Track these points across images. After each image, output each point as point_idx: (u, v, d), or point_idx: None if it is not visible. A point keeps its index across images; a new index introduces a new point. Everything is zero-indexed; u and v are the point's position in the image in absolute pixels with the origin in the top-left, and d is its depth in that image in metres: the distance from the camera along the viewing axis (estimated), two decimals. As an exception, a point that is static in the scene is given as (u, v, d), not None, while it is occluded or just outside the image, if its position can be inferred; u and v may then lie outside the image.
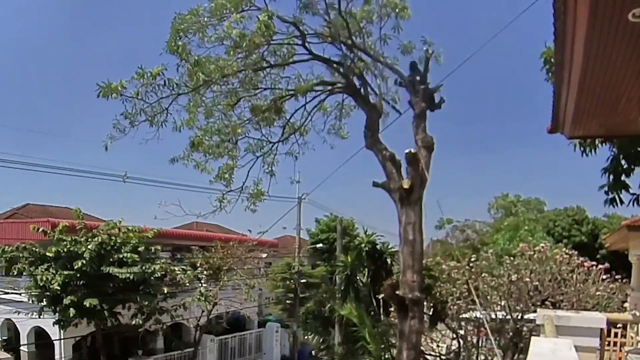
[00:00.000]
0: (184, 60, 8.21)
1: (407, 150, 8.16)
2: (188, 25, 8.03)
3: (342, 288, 13.16)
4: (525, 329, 9.09)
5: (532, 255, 9.18)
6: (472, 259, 9.95)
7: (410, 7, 8.65)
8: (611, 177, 7.42)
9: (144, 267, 17.46)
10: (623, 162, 7.40)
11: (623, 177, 7.38)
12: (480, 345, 10.40)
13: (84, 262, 16.30)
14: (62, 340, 18.21)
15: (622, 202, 7.38)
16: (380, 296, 10.65)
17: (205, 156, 9.44)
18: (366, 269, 12.50)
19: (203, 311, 21.26)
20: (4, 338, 22.65)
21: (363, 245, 12.47)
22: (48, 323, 17.97)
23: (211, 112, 9.21)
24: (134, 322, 18.61)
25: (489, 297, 9.54)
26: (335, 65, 9.16)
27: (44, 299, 16.95)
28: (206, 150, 9.35)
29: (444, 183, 58.75)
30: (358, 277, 12.84)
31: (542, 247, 9.30)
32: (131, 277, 16.89)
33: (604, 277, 9.12)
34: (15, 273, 17.96)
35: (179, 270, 20.53)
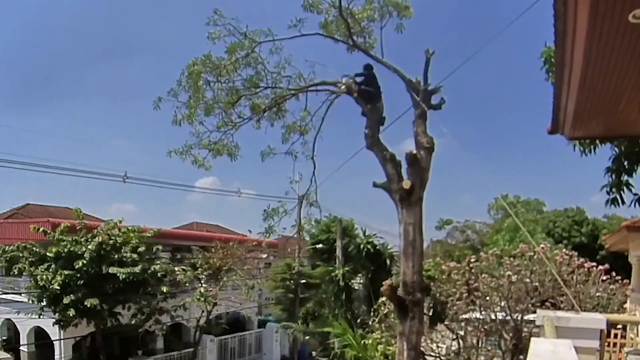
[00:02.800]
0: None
1: (407, 151, 8.17)
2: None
3: (334, 294, 13.20)
4: (525, 329, 9.08)
5: (532, 256, 9.18)
6: (472, 260, 9.94)
7: (412, 6, 8.69)
8: (613, 176, 7.43)
9: (144, 267, 17.47)
10: (625, 162, 7.42)
11: (625, 177, 7.39)
12: (480, 346, 10.39)
13: (84, 262, 16.32)
14: (61, 340, 18.21)
15: (623, 202, 7.40)
16: (383, 299, 10.64)
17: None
18: (365, 270, 12.50)
19: (203, 311, 21.26)
20: (4, 338, 22.66)
21: (362, 246, 12.46)
22: (48, 323, 17.97)
23: (211, 109, 9.28)
24: (133, 322, 18.61)
25: (488, 298, 9.53)
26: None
27: (44, 299, 16.95)
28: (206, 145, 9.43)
29: (444, 183, 58.79)
30: (353, 282, 12.85)
31: (542, 247, 9.29)
32: (131, 277, 16.89)
33: (604, 278, 9.11)
34: (15, 273, 17.96)
35: (179, 271, 20.54)
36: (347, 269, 12.76)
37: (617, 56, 4.31)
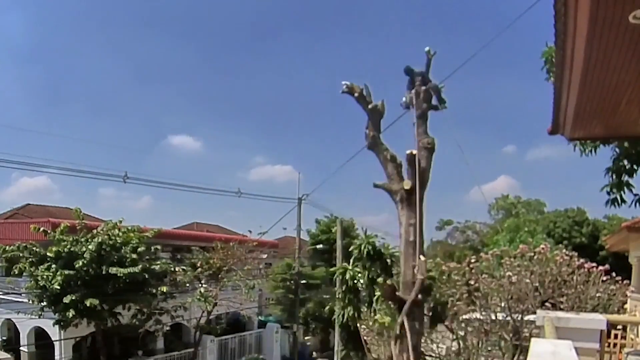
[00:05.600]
0: None
1: (408, 151, 8.17)
2: None
3: (342, 292, 13.20)
4: (525, 330, 9.07)
5: (533, 256, 9.17)
6: (472, 260, 9.93)
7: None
8: (614, 176, 7.44)
9: (144, 267, 17.47)
10: (625, 162, 7.42)
11: (626, 177, 7.40)
12: (480, 346, 10.37)
13: (84, 262, 16.32)
14: (62, 341, 18.21)
15: (624, 201, 7.40)
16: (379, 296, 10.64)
17: None
18: (366, 271, 12.49)
19: (203, 312, 21.26)
20: (4, 338, 22.65)
21: (363, 246, 12.44)
22: (48, 323, 17.98)
23: None
24: (134, 323, 18.62)
25: (489, 299, 9.52)
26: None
27: (44, 299, 16.95)
28: None
29: (445, 183, 58.71)
30: (358, 279, 12.85)
31: (543, 248, 9.29)
32: (131, 277, 16.89)
33: (604, 278, 9.09)
34: (15, 273, 17.97)
35: (179, 271, 20.55)
36: (356, 269, 12.76)
37: (618, 57, 4.31)
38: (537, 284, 8.83)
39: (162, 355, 21.44)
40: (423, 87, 8.58)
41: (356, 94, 8.94)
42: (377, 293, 11.26)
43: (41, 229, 17.43)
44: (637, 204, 7.33)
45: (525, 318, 9.00)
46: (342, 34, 65.05)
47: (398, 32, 61.51)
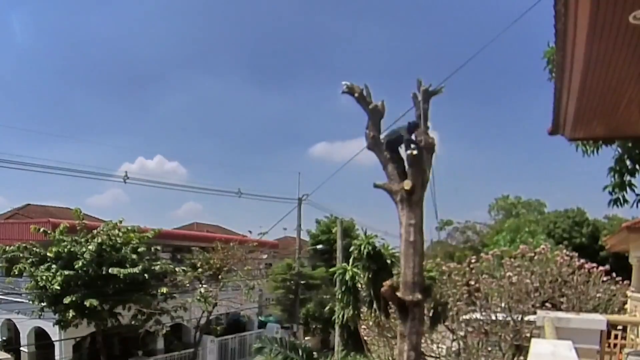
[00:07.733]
0: None
1: (408, 152, 8.16)
2: None
3: (342, 293, 13.19)
4: (525, 330, 9.07)
5: (533, 257, 9.17)
6: (473, 261, 9.94)
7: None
8: (616, 176, 7.44)
9: (144, 268, 17.47)
10: (628, 162, 7.43)
11: (628, 178, 7.40)
12: (480, 346, 10.37)
13: (84, 262, 16.32)
14: (62, 341, 18.21)
15: (626, 201, 7.40)
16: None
17: None
18: (366, 271, 12.47)
19: (203, 312, 21.26)
20: (4, 338, 22.65)
21: (363, 246, 12.42)
22: (48, 323, 17.97)
23: None
24: (134, 323, 18.62)
25: (489, 299, 9.53)
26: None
27: (44, 300, 16.95)
28: None
29: (445, 183, 58.57)
30: (357, 280, 12.83)
31: (543, 248, 9.29)
32: (131, 277, 16.89)
33: (605, 279, 9.10)
34: (16, 273, 17.98)
35: (179, 271, 20.56)
36: (355, 269, 12.75)
37: (618, 57, 4.31)
38: (537, 284, 8.83)
39: (162, 355, 21.43)
40: (422, 88, 8.57)
41: (356, 94, 8.93)
42: (377, 293, 11.24)
43: (41, 229, 17.43)
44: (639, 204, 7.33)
45: (526, 318, 9.00)
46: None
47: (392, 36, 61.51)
